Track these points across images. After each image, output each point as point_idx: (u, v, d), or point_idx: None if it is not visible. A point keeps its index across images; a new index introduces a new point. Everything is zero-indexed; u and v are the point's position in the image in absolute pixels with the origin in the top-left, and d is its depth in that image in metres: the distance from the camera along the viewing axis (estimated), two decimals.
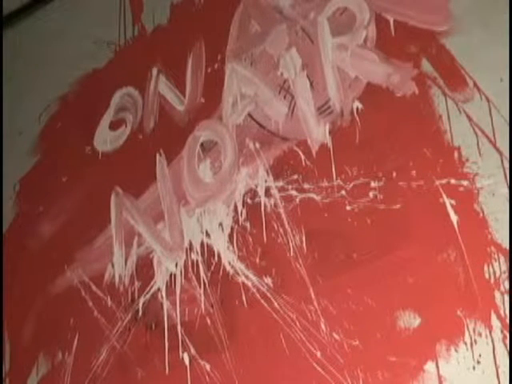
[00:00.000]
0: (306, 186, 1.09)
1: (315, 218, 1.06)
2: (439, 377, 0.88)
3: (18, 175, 1.52)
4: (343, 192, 1.04)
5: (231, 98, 1.22)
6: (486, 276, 0.88)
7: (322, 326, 0.99)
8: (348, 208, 1.03)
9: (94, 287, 1.29)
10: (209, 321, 1.11)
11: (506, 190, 0.90)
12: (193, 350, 1.11)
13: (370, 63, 1.08)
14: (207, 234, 1.17)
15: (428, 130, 0.99)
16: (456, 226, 0.93)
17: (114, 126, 1.42)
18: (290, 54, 1.17)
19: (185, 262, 1.18)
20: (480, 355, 0.86)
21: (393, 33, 1.07)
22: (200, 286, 1.15)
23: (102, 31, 1.49)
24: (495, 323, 0.86)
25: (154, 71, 1.37)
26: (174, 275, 1.18)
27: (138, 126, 1.37)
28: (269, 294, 1.06)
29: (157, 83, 1.36)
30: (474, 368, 0.86)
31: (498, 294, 0.87)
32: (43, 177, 1.49)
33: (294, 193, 1.09)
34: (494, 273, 0.88)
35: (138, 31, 1.45)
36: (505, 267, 0.87)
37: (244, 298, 1.09)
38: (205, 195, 1.20)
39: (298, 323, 1.02)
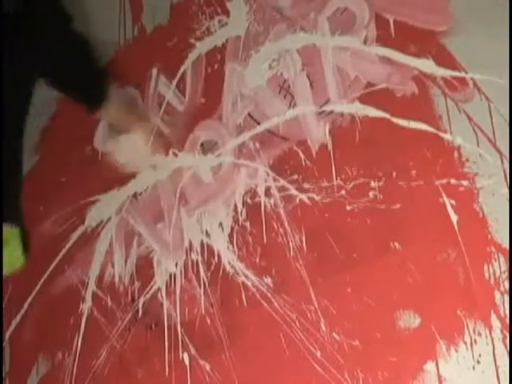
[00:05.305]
0: (305, 185, 1.09)
1: (315, 218, 1.06)
2: (439, 377, 0.88)
3: None
4: (343, 192, 1.04)
5: (231, 98, 1.22)
6: (486, 276, 0.88)
7: (322, 326, 0.99)
8: (348, 208, 1.03)
9: (94, 287, 1.29)
10: (209, 321, 1.11)
11: (506, 190, 0.90)
12: (193, 350, 1.11)
13: (370, 63, 1.08)
14: (207, 234, 1.17)
15: (428, 129, 0.99)
16: (456, 225, 0.93)
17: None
18: (289, 54, 1.17)
19: (185, 261, 1.18)
20: (480, 355, 0.86)
21: (393, 33, 1.07)
22: (200, 286, 1.15)
23: (102, 31, 1.49)
24: (495, 323, 0.86)
25: (154, 71, 1.37)
26: (174, 275, 1.18)
27: None
28: (269, 294, 1.06)
29: (157, 83, 1.36)
30: (473, 368, 0.86)
31: (497, 294, 0.87)
32: (43, 177, 1.49)
33: (294, 193, 1.09)
34: (494, 273, 0.88)
35: (138, 31, 1.45)
36: (505, 267, 0.87)
37: (244, 297, 1.09)
38: (205, 195, 1.20)
39: (297, 323, 1.02)
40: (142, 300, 1.21)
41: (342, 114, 1.08)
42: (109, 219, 1.32)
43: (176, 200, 1.23)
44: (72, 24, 1.16)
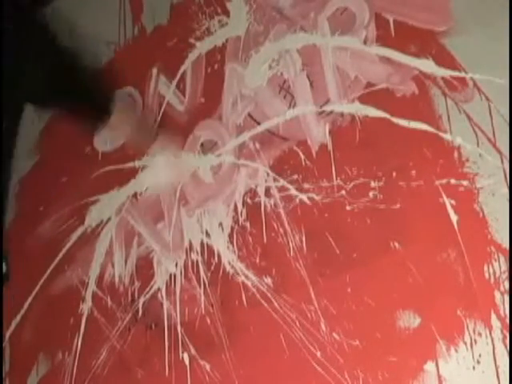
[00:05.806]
0: (305, 185, 1.09)
1: (315, 218, 1.06)
2: (439, 377, 0.88)
3: (18, 175, 1.52)
4: (343, 192, 1.04)
5: (231, 98, 1.22)
6: (486, 276, 0.88)
7: (322, 326, 0.99)
8: (348, 208, 1.03)
9: (94, 287, 1.29)
10: (209, 321, 1.11)
11: (506, 190, 0.90)
12: (193, 350, 1.11)
13: (370, 63, 1.08)
14: (207, 234, 1.17)
15: (428, 129, 0.99)
16: (456, 225, 0.93)
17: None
18: (289, 54, 1.17)
19: (185, 261, 1.18)
20: (480, 355, 0.86)
21: (393, 33, 1.07)
22: (200, 286, 1.15)
23: (102, 31, 1.49)
24: (495, 323, 0.86)
25: (154, 71, 1.37)
26: (174, 275, 1.18)
27: None
28: (269, 294, 1.06)
29: (157, 83, 1.36)
30: (473, 368, 0.86)
31: (497, 294, 0.87)
32: (43, 177, 1.49)
33: (294, 193, 1.09)
34: (494, 273, 0.88)
35: (138, 31, 1.45)
36: (505, 267, 0.87)
37: (244, 297, 1.09)
38: (205, 195, 1.20)
39: (297, 323, 1.02)
40: (142, 300, 1.21)
41: (342, 114, 1.08)
42: (109, 219, 1.32)
43: (176, 200, 1.23)
44: (57, 40, 1.13)
